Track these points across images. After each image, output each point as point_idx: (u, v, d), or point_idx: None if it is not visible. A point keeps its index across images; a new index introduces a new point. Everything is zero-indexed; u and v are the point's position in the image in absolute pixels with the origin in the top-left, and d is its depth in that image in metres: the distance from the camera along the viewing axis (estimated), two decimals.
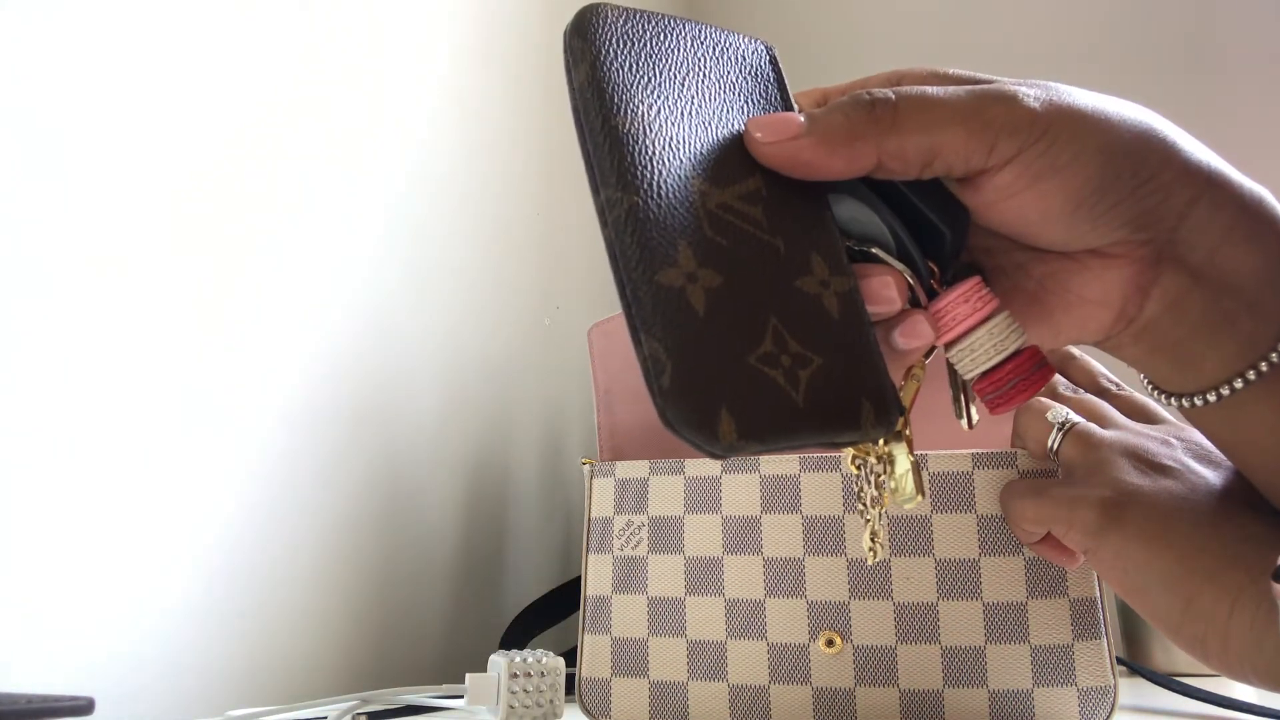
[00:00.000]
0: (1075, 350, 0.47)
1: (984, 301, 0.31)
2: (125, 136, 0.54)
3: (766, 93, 0.32)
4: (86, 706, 0.29)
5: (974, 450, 0.49)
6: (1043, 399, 0.44)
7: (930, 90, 0.30)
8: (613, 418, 0.59)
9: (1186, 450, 0.38)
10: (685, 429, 0.24)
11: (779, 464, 0.51)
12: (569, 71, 0.28)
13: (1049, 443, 0.42)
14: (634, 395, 0.59)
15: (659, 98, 0.29)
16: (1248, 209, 0.30)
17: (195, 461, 0.56)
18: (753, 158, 0.30)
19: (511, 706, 0.49)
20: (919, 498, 0.29)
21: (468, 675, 0.51)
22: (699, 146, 0.29)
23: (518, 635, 0.74)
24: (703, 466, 0.53)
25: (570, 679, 0.53)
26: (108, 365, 0.52)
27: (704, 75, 0.30)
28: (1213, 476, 0.36)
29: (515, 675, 0.50)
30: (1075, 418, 0.41)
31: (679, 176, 0.27)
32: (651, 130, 0.28)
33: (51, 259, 0.49)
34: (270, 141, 0.63)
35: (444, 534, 0.77)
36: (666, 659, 0.51)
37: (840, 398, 0.27)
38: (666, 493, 0.53)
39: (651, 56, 0.29)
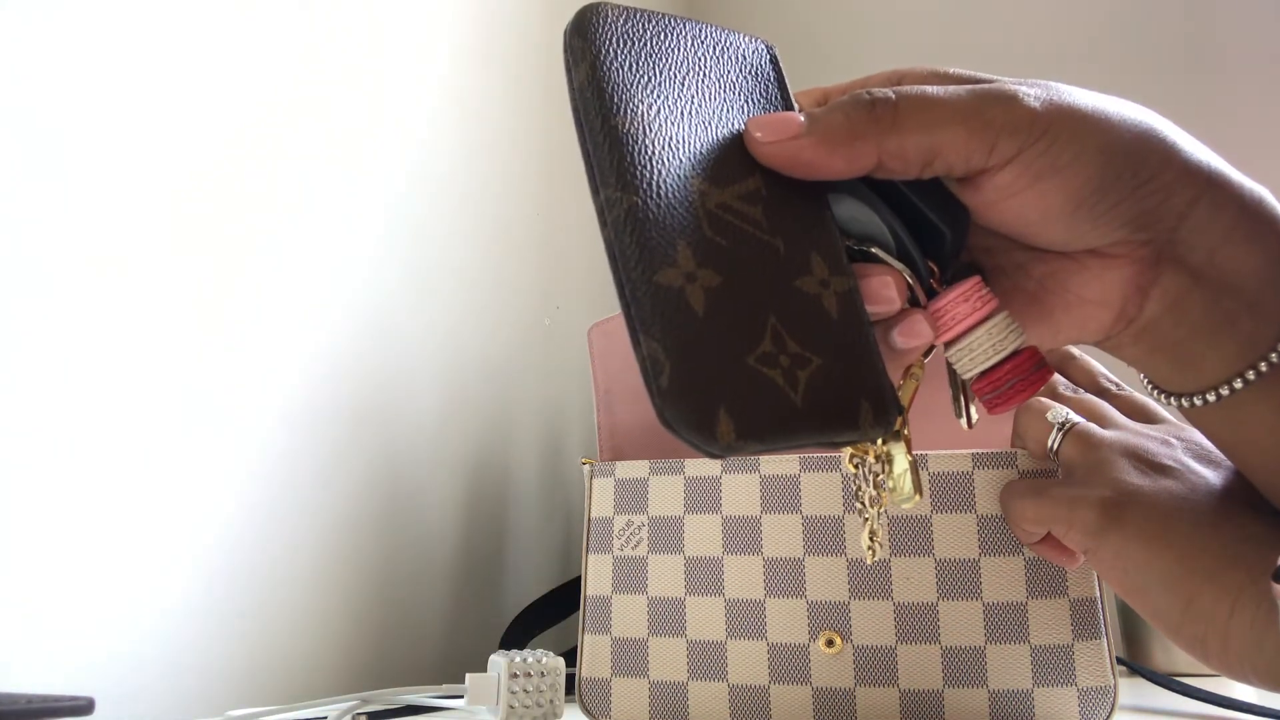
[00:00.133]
0: (1075, 350, 0.47)
1: (983, 301, 0.31)
2: (125, 136, 0.54)
3: (767, 92, 0.32)
4: (86, 706, 0.29)
5: (974, 450, 0.49)
6: (1043, 399, 0.44)
7: (931, 90, 0.30)
8: (613, 418, 0.59)
9: (1186, 450, 0.38)
10: (684, 429, 0.24)
11: (779, 464, 0.51)
12: (569, 71, 0.28)
13: (1049, 443, 0.42)
14: (634, 395, 0.59)
15: (659, 97, 0.29)
16: (1248, 209, 0.30)
17: (195, 461, 0.56)
18: (753, 157, 0.30)
19: (511, 706, 0.49)
20: (917, 497, 0.29)
21: (468, 675, 0.51)
22: (699, 146, 0.29)
23: (518, 635, 0.74)
24: (703, 466, 0.53)
25: (570, 679, 0.53)
26: (108, 365, 0.52)
27: (704, 75, 0.30)
28: (1213, 476, 0.36)
29: (515, 675, 0.50)
30: (1075, 418, 0.41)
31: (679, 176, 0.27)
32: (651, 130, 0.28)
33: (51, 259, 0.49)
34: (270, 141, 0.63)
35: (444, 534, 0.77)
36: (666, 659, 0.51)
37: (839, 398, 0.27)
38: (666, 493, 0.53)
39: (651, 56, 0.29)
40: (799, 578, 0.50)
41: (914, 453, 0.30)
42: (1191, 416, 0.34)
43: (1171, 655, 0.71)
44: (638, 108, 0.28)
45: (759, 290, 0.27)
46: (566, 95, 0.29)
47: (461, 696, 0.51)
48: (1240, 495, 0.35)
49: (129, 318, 0.53)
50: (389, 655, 0.70)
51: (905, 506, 0.30)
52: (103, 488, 0.51)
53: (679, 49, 0.30)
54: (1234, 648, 0.32)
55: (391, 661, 0.70)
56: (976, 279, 0.31)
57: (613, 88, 0.28)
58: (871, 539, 0.32)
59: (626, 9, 0.30)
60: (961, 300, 0.31)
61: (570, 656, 0.55)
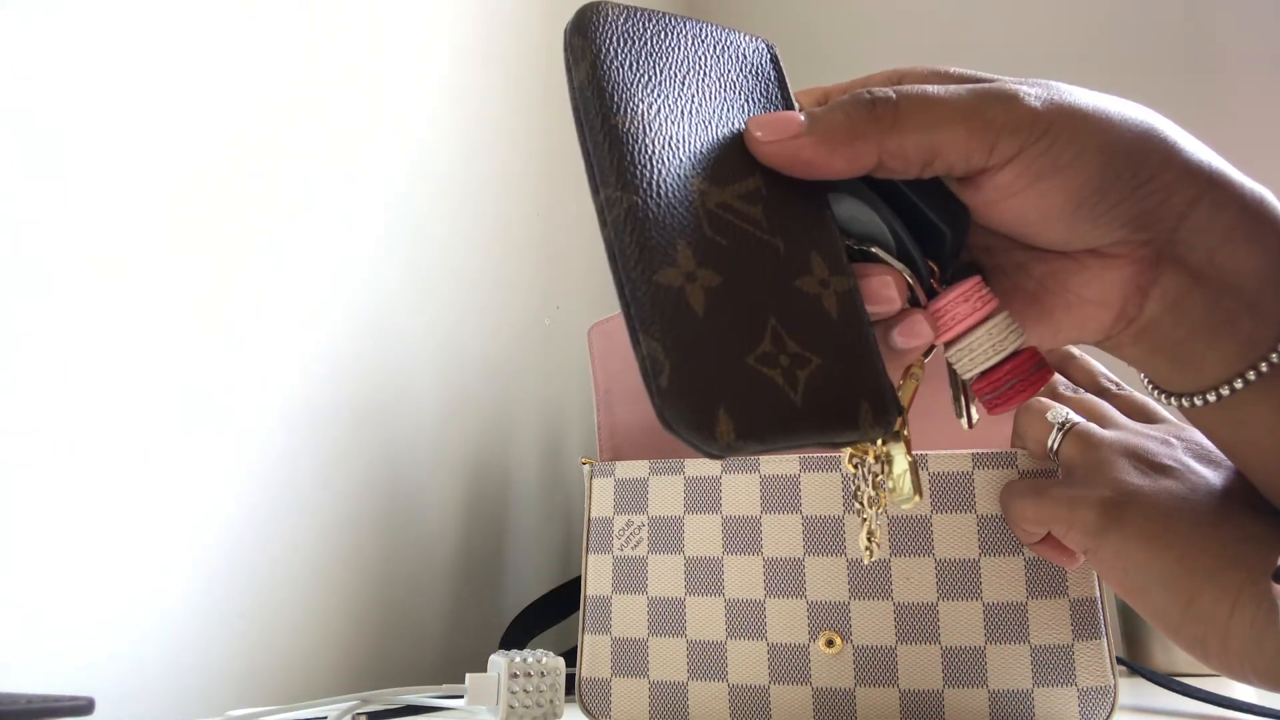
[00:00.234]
0: (1075, 350, 0.47)
1: (984, 301, 0.31)
2: (125, 136, 0.54)
3: (767, 91, 0.32)
4: (86, 706, 0.29)
5: (974, 450, 0.49)
6: (1042, 399, 0.44)
7: (931, 89, 0.30)
8: (613, 418, 0.59)
9: (1187, 450, 0.38)
10: (683, 429, 0.24)
11: (779, 464, 0.51)
12: (569, 70, 0.28)
13: (1049, 443, 0.42)
14: (634, 395, 0.59)
15: (659, 96, 0.29)
16: (1249, 209, 0.30)
17: (195, 461, 0.56)
18: (753, 157, 0.30)
19: (511, 706, 0.49)
20: (917, 498, 0.29)
21: (468, 675, 0.51)
22: (699, 145, 0.29)
23: (518, 635, 0.74)
24: (703, 466, 0.53)
25: (570, 679, 0.53)
26: (108, 365, 0.52)
27: (704, 74, 0.30)
28: (1213, 476, 0.36)
29: (515, 675, 0.50)
30: (1075, 417, 0.41)
31: (679, 176, 0.27)
32: (651, 129, 0.28)
33: (51, 259, 0.49)
34: (270, 141, 0.63)
35: (444, 534, 0.77)
36: (666, 659, 0.51)
37: (839, 398, 0.27)
38: (666, 493, 0.53)
39: (652, 55, 0.29)
40: (799, 578, 0.50)
41: (914, 453, 0.30)
42: (1192, 416, 0.34)
43: (1171, 655, 0.71)
44: (638, 107, 0.28)
45: (759, 290, 0.27)
46: (566, 95, 0.29)
47: (461, 696, 0.51)
48: (1240, 495, 0.35)
49: (129, 318, 0.53)
50: (389, 655, 0.70)
51: (905, 507, 0.30)
52: (103, 488, 0.51)
53: (679, 48, 0.30)
54: (1234, 648, 0.32)
55: (391, 661, 0.70)
56: (977, 279, 0.31)
57: (613, 87, 0.28)
58: (869, 539, 0.32)
59: (627, 8, 0.30)
60: (962, 300, 0.31)
61: (570, 656, 0.55)
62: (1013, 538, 0.47)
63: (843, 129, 0.29)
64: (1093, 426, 0.40)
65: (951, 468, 0.49)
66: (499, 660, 0.51)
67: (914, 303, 0.31)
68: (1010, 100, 0.29)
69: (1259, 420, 0.31)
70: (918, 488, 0.29)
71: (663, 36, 0.30)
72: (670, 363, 0.24)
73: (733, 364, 0.25)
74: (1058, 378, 0.46)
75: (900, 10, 1.19)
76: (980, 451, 0.49)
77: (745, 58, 0.32)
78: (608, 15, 0.29)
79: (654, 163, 0.27)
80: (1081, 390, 0.45)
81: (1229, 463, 0.36)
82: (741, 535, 0.51)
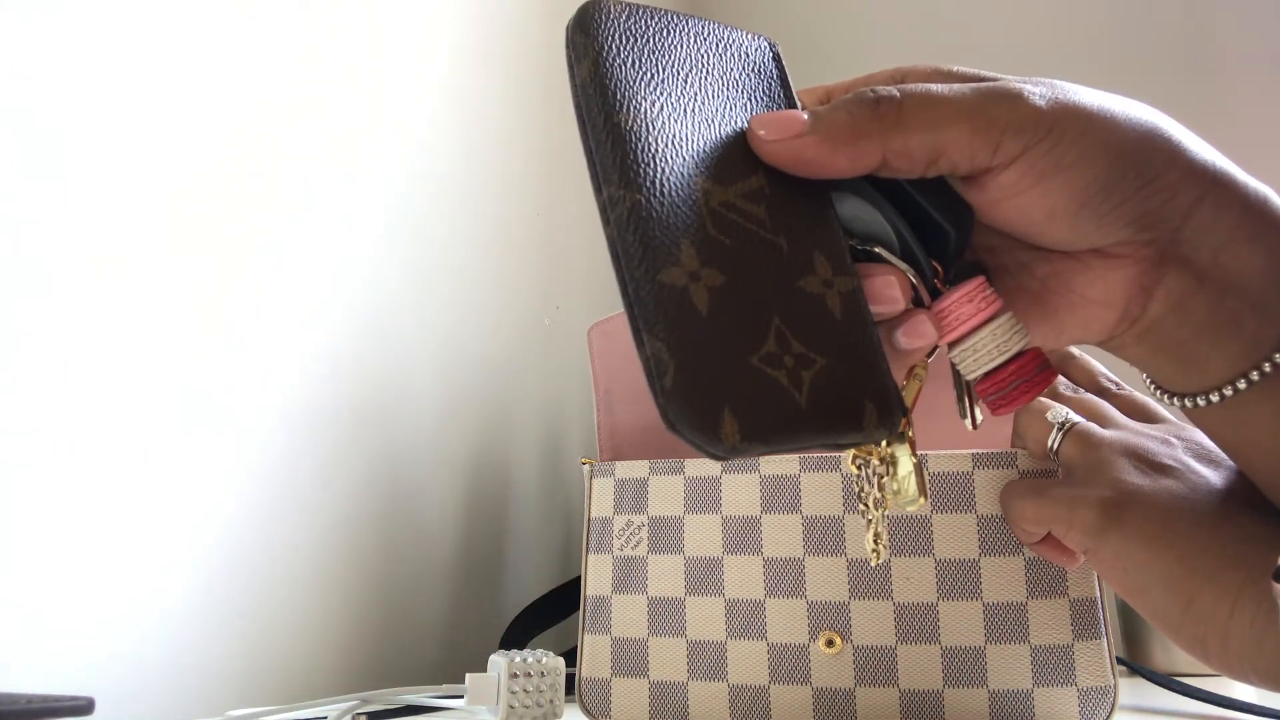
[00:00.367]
0: (1074, 350, 0.47)
1: (988, 302, 0.31)
2: (125, 136, 0.54)
3: (770, 90, 0.32)
4: (86, 706, 0.29)
5: (974, 450, 0.49)
6: (1043, 399, 0.44)
7: (935, 88, 0.30)
8: (613, 418, 0.59)
9: (1187, 450, 0.38)
10: (688, 430, 0.24)
11: (779, 464, 0.51)
12: (571, 68, 0.28)
13: (1049, 443, 0.42)
14: (634, 395, 0.59)
15: (662, 94, 0.28)
16: (1252, 208, 0.30)
17: (195, 461, 0.56)
18: (756, 155, 0.29)
19: (511, 706, 0.49)
20: (922, 500, 0.29)
21: (468, 675, 0.51)
22: (702, 144, 0.28)
23: (518, 635, 0.74)
24: (703, 466, 0.53)
25: (570, 679, 0.53)
26: (108, 365, 0.52)
27: (707, 72, 0.30)
28: (1213, 476, 0.36)
29: (515, 675, 0.50)
30: (1075, 417, 0.41)
31: (682, 174, 0.27)
32: (654, 127, 0.28)
33: (51, 259, 0.49)
34: (270, 141, 0.63)
35: (444, 534, 0.77)
36: (666, 659, 0.51)
37: (843, 399, 0.26)
38: (666, 493, 0.53)
39: (654, 53, 0.29)
40: (799, 578, 0.50)
41: (918, 454, 0.30)
42: (1194, 417, 0.34)
43: (1171, 655, 0.71)
44: (640, 105, 0.28)
45: (763, 290, 0.27)
46: (567, 95, 0.29)
47: (461, 696, 0.51)
48: (1241, 495, 0.35)
49: (129, 318, 0.53)
50: (389, 655, 0.70)
51: (910, 509, 0.30)
52: (103, 488, 0.51)
53: (682, 46, 0.30)
54: (1234, 647, 0.32)
55: (391, 661, 0.70)
56: (981, 279, 0.31)
57: (615, 84, 0.28)
58: (876, 541, 0.32)
59: (629, 5, 0.29)
60: (966, 300, 0.31)
61: (570, 656, 0.55)
62: (1013, 538, 0.47)
63: (846, 128, 0.29)
64: (1093, 426, 0.41)
65: (951, 468, 0.49)
66: (499, 660, 0.51)
67: (918, 303, 0.31)
68: (1015, 99, 0.29)
69: (1262, 420, 0.31)
70: (923, 489, 0.29)
71: (665, 34, 0.30)
72: (675, 363, 0.24)
73: (737, 364, 0.25)
74: (1058, 377, 0.46)
75: (901, 10, 1.19)
76: (980, 451, 0.49)
77: (748, 56, 0.32)
78: (610, 13, 0.29)
79: (657, 161, 0.27)
80: (1081, 390, 0.45)
81: (1229, 462, 0.36)
82: (741, 535, 0.51)
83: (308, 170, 0.66)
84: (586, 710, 0.53)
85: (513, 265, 0.89)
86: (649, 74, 0.29)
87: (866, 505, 0.31)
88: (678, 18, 0.31)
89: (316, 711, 0.54)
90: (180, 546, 0.55)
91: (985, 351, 0.31)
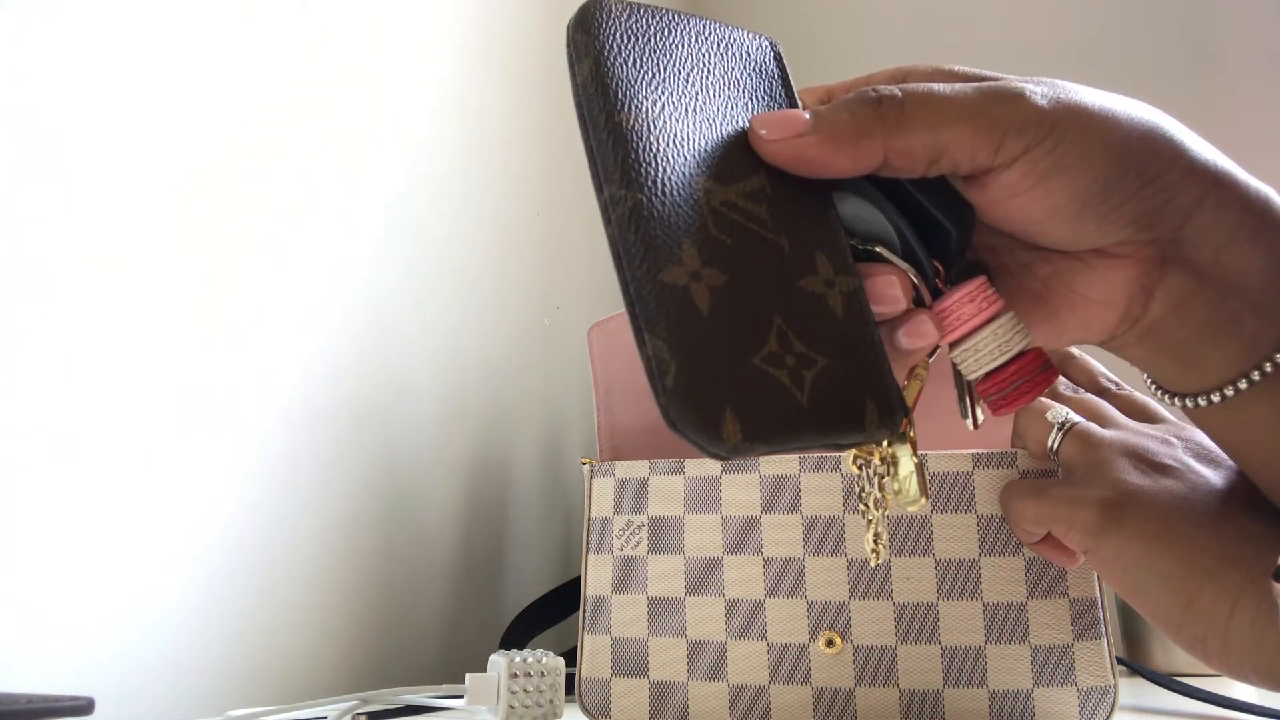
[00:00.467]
0: (1074, 350, 0.47)
1: (989, 302, 0.31)
2: (125, 136, 0.54)
3: (771, 89, 0.32)
4: (86, 706, 0.29)
5: (974, 450, 0.49)
6: (1042, 399, 0.44)
7: (936, 87, 0.30)
8: (612, 418, 0.59)
9: (1187, 450, 0.38)
10: (689, 429, 0.24)
11: (779, 464, 0.51)
12: (572, 67, 0.28)
13: (1049, 442, 0.42)
14: (634, 395, 0.59)
15: (663, 93, 0.28)
16: (1253, 208, 0.30)
17: (195, 461, 0.56)
18: (757, 155, 0.29)
19: (511, 706, 0.49)
20: (923, 500, 0.29)
21: (468, 675, 0.51)
22: (703, 143, 0.28)
23: (518, 635, 0.74)
24: (703, 466, 0.53)
25: (570, 679, 0.53)
26: (108, 365, 0.52)
27: (708, 71, 0.30)
28: (1213, 476, 0.36)
29: (515, 675, 0.50)
30: (1075, 417, 0.41)
31: (683, 174, 0.27)
32: (655, 127, 0.27)
33: (51, 259, 0.49)
34: (270, 141, 0.63)
35: (444, 534, 0.77)
36: (666, 659, 0.51)
37: (844, 399, 0.26)
38: (666, 493, 0.53)
39: (655, 52, 0.29)
40: (799, 578, 0.50)
41: (919, 454, 0.30)
42: (1195, 417, 0.34)
43: (1171, 655, 0.71)
44: (642, 104, 0.28)
45: (764, 289, 0.27)
46: (567, 95, 0.29)
47: (461, 696, 0.51)
48: (1241, 495, 0.35)
49: (129, 318, 0.53)
50: (389, 655, 0.70)
51: (911, 509, 0.30)
52: (103, 488, 0.51)
53: (683, 45, 0.30)
54: (1234, 648, 0.32)
55: (391, 661, 0.70)
56: (982, 279, 0.31)
57: (616, 83, 0.28)
58: (875, 541, 0.32)
59: (630, 4, 0.29)
60: (967, 300, 0.31)
61: (570, 656, 0.55)
62: (1013, 538, 0.47)
63: (848, 127, 0.29)
64: (1093, 426, 0.41)
65: (951, 468, 0.49)
66: (499, 660, 0.51)
67: (919, 303, 0.31)
68: (1016, 99, 0.29)
69: (1262, 420, 0.31)
70: (924, 489, 0.29)
71: (666, 33, 0.30)
72: (676, 362, 0.24)
73: (739, 364, 0.25)
74: (1058, 377, 0.46)
75: (901, 10, 1.19)
76: (980, 451, 0.49)
77: (749, 55, 0.32)
78: (611, 11, 0.29)
79: (658, 160, 0.27)
80: (1081, 390, 0.45)
81: (1229, 462, 0.36)
82: (741, 535, 0.51)
83: (308, 170, 0.66)
84: (586, 710, 0.53)
85: (513, 265, 0.89)
86: (650, 73, 0.29)
87: (867, 505, 0.31)
88: (679, 17, 0.31)
89: (316, 711, 0.54)
90: (180, 546, 0.55)
91: (986, 351, 0.31)
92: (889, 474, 0.30)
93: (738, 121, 0.30)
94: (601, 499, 0.55)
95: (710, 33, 0.31)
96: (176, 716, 0.53)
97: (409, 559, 0.73)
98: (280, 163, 0.64)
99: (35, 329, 0.48)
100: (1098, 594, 0.47)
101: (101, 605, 0.50)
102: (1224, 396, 0.31)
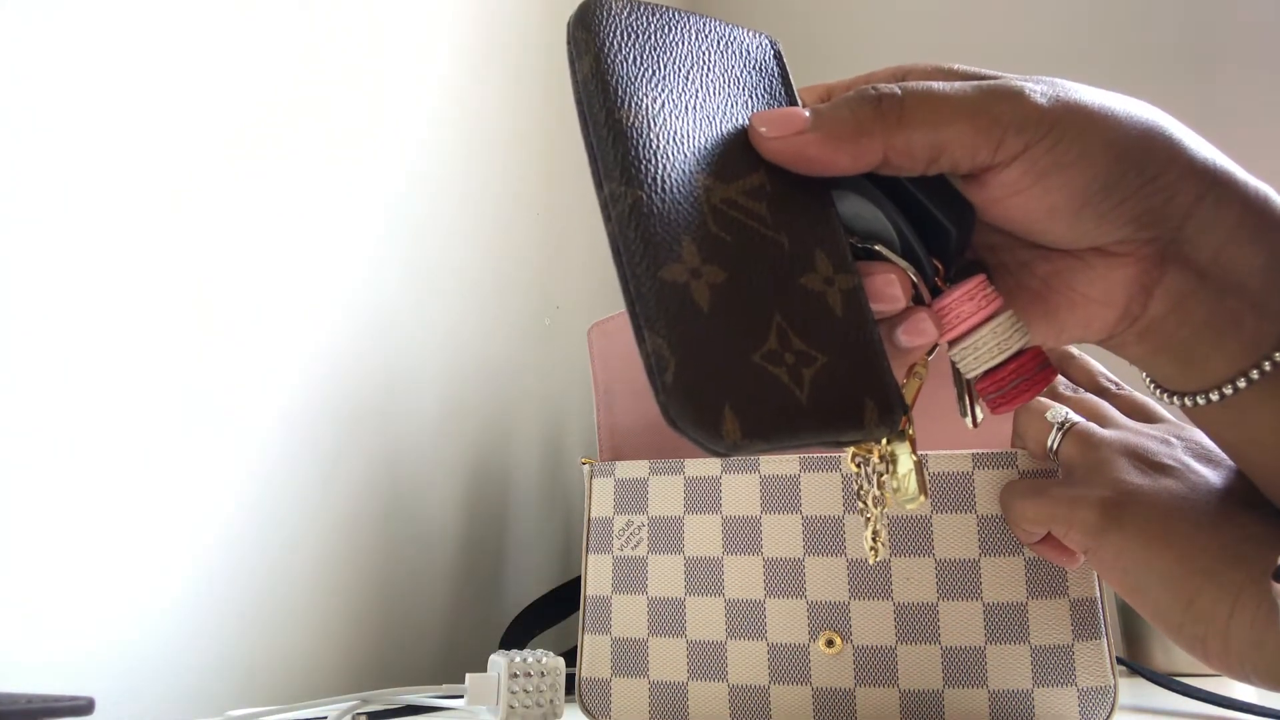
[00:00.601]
0: (1074, 349, 0.47)
1: (988, 300, 0.31)
2: (125, 136, 0.54)
3: (771, 87, 0.32)
4: (86, 706, 0.29)
5: (974, 450, 0.49)
6: (1042, 399, 0.44)
7: (936, 86, 0.30)
8: (612, 417, 0.59)
9: (1187, 449, 0.38)
10: (689, 427, 0.24)
11: (779, 464, 0.51)
12: (572, 64, 0.28)
13: (1049, 442, 0.42)
14: (634, 395, 0.59)
15: (663, 91, 0.28)
16: (1253, 207, 0.30)
17: (195, 461, 0.56)
18: (757, 153, 0.29)
19: (511, 706, 0.49)
20: (922, 498, 0.29)
21: (468, 675, 0.50)
22: (703, 141, 0.28)
23: (518, 635, 0.74)
24: (703, 466, 0.53)
25: (570, 679, 0.53)
26: (108, 365, 0.52)
27: (708, 69, 0.30)
28: (1213, 476, 0.36)
29: (515, 675, 0.50)
30: (1075, 417, 0.41)
31: (683, 171, 0.27)
32: (655, 124, 0.27)
33: (51, 259, 0.49)
34: (270, 141, 0.63)
35: (444, 534, 0.77)
36: (666, 659, 0.51)
37: (844, 396, 0.26)
38: (666, 493, 0.53)
39: (656, 49, 0.29)
40: (799, 578, 0.50)
41: (918, 453, 0.30)
42: (1194, 416, 0.34)
43: (1171, 655, 0.71)
44: (642, 101, 0.28)
45: (764, 287, 0.27)
46: (567, 95, 0.29)
47: (461, 696, 0.51)
48: (1240, 495, 0.35)
49: (129, 318, 0.53)
50: (389, 655, 0.70)
51: (910, 507, 0.29)
52: (103, 488, 0.51)
53: (683, 42, 0.30)
54: (1234, 648, 0.32)
55: (391, 661, 0.70)
56: (981, 277, 0.31)
57: (617, 80, 0.28)
58: (874, 540, 0.31)
59: (631, 1, 0.29)
60: (966, 299, 0.31)
61: (570, 656, 0.55)
62: (1013, 538, 0.47)
63: (848, 125, 0.29)
64: (1092, 426, 0.41)
65: (951, 468, 0.49)
66: (499, 660, 0.51)
67: (918, 301, 0.31)
68: (1016, 97, 0.29)
69: (1262, 419, 0.31)
70: (923, 487, 0.29)
71: (666, 31, 0.30)
72: (675, 359, 0.24)
73: (738, 361, 0.25)
74: (1058, 377, 0.46)
75: (901, 9, 1.19)
76: (980, 452, 0.49)
77: (749, 53, 0.32)
78: (611, 9, 0.29)
79: (658, 158, 0.27)
80: (1081, 390, 0.45)
81: (1229, 462, 0.36)
82: (741, 535, 0.51)
83: (308, 170, 0.66)
84: (586, 710, 0.53)
85: (513, 265, 0.89)
86: (650, 70, 0.29)
87: (865, 503, 0.31)
88: (679, 14, 0.31)
89: (316, 711, 0.54)
90: (180, 546, 0.55)
91: (986, 350, 0.31)
92: (888, 472, 0.30)
93: (738, 119, 0.30)
94: (601, 499, 0.55)
95: (710, 30, 0.31)
96: (176, 716, 0.53)
97: (409, 559, 0.73)
98: (280, 163, 0.64)
99: (35, 329, 0.48)
100: (1098, 594, 0.47)
101: (101, 605, 0.50)
102: (1223, 395, 0.31)
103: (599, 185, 0.27)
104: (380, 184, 0.73)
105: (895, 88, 0.29)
